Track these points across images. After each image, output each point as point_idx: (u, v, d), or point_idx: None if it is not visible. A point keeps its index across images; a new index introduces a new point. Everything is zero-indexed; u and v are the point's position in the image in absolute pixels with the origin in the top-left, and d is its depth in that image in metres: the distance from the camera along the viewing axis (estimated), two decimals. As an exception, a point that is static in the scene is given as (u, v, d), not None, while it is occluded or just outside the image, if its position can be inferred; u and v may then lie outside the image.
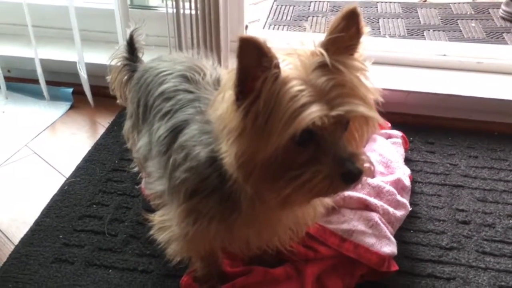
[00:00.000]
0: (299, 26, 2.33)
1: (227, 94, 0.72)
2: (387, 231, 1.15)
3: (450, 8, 2.50)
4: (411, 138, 1.58)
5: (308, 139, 0.71)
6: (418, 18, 2.40)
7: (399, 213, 1.22)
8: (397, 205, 1.23)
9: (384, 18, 2.41)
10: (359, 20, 0.73)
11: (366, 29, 0.75)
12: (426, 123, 1.68)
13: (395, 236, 1.17)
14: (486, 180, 1.43)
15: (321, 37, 0.74)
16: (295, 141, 0.70)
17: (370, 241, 1.11)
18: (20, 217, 1.34)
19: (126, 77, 1.25)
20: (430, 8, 2.51)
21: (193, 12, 1.57)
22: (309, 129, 0.69)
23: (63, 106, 1.82)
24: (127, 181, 1.42)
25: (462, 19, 2.36)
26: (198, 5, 1.55)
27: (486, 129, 1.65)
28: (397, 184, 1.29)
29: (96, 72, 1.71)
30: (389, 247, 1.11)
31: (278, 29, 2.34)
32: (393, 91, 1.62)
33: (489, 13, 2.42)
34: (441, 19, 2.37)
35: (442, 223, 1.29)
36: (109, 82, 1.32)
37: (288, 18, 2.45)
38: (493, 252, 1.21)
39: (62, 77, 1.88)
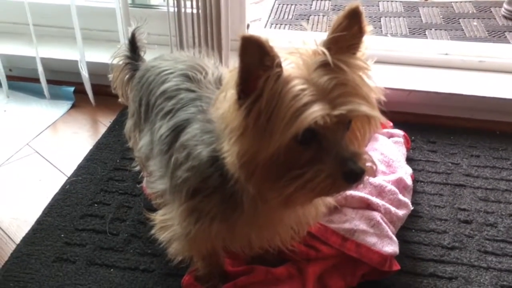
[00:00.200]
0: (301, 25, 2.32)
1: (229, 93, 0.72)
2: (389, 231, 1.15)
3: (452, 7, 2.49)
4: (413, 137, 1.58)
5: (310, 139, 0.70)
6: (420, 17, 2.39)
7: (401, 212, 1.22)
8: (399, 204, 1.23)
9: (386, 17, 2.40)
10: (361, 19, 0.73)
11: (368, 28, 0.75)
12: (428, 122, 1.67)
13: (397, 236, 1.17)
14: (488, 179, 1.43)
15: (323, 36, 0.74)
16: (297, 140, 0.70)
17: (372, 240, 1.11)
18: (21, 216, 1.34)
19: (127, 76, 1.24)
20: (432, 7, 2.51)
21: (195, 10, 1.57)
22: (311, 128, 0.68)
23: (65, 105, 1.82)
24: (129, 180, 1.42)
25: (464, 18, 2.36)
26: (200, 4, 1.54)
27: (488, 128, 1.65)
28: (399, 183, 1.29)
29: (98, 71, 1.71)
30: (391, 247, 1.11)
31: (279, 28, 2.34)
32: (395, 90, 1.61)
33: (491, 12, 2.42)
34: (443, 18, 2.37)
35: (444, 222, 1.28)
36: (110, 80, 1.32)
37: (290, 17, 2.44)
38: (495, 251, 1.20)
39: (63, 76, 1.88)
